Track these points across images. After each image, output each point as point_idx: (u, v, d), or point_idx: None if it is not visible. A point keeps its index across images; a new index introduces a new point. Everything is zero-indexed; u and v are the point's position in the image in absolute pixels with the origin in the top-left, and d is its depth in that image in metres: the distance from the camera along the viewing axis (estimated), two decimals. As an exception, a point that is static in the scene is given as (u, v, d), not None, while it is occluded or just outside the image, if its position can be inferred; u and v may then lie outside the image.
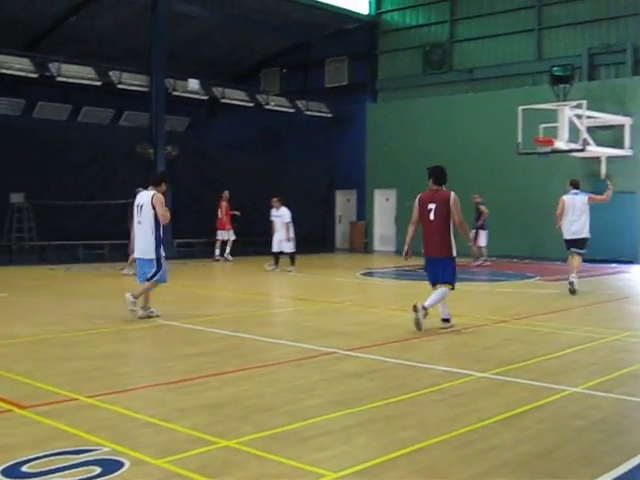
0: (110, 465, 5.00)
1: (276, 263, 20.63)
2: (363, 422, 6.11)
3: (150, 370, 8.03)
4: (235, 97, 29.83)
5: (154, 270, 11.59)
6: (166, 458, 5.14)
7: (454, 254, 10.70)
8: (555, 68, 23.47)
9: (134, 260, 17.14)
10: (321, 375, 7.85)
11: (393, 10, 31.30)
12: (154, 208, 11.35)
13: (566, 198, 15.80)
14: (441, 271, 10.75)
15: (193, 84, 27.36)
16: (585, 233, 15.64)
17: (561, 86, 23.11)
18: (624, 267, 22.24)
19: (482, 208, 23.31)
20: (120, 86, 25.97)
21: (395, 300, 15.16)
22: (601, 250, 21.72)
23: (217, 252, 24.43)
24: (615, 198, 23.45)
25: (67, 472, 4.87)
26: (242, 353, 9.13)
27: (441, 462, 5.19)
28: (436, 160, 28.35)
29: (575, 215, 15.59)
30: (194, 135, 32.34)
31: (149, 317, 11.68)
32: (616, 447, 5.51)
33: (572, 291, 15.14)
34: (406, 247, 10.98)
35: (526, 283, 18.54)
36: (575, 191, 15.93)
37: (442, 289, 10.75)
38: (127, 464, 5.02)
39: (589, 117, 22.91)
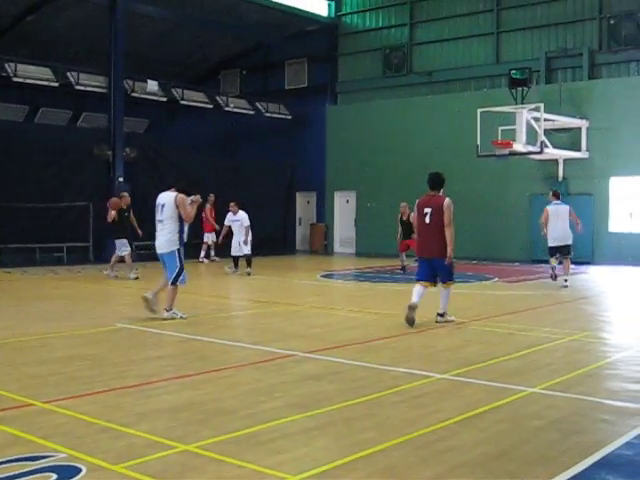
0: (67, 471, 4.93)
1: (235, 266, 20.59)
2: (323, 424, 6.10)
3: (108, 374, 7.94)
4: (194, 99, 29.69)
5: (177, 269, 11.95)
6: (124, 463, 5.09)
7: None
8: (513, 71, 23.68)
9: (117, 261, 17.34)
10: (281, 378, 7.83)
11: (353, 12, 31.40)
12: (177, 207, 11.83)
13: (549, 208, 17.32)
14: (441, 271, 11.38)
15: (152, 85, 27.18)
16: (569, 240, 17.26)
17: (519, 89, 23.32)
18: (581, 268, 22.50)
19: None
20: (78, 87, 25.72)
21: (355, 302, 15.18)
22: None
23: (202, 254, 24.67)
24: (572, 200, 23.82)
25: (22, 479, 4.79)
26: (201, 356, 9.08)
27: (401, 463, 5.20)
28: (394, 161, 28.71)
29: (559, 224, 17.09)
30: (153, 137, 32.10)
31: (173, 319, 11.87)
32: (573, 446, 5.57)
33: (565, 287, 16.87)
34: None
35: (485, 285, 18.68)
36: (557, 202, 17.42)
37: (448, 289, 11.55)
38: (84, 470, 4.96)
39: (546, 120, 23.17)
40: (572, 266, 21.34)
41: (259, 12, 29.35)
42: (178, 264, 11.96)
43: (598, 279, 20.45)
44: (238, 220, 20.67)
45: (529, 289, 17.38)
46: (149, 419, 6.20)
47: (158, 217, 12.17)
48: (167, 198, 12.05)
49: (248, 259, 20.55)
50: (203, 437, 5.68)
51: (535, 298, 15.58)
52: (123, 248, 18.78)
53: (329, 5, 31.59)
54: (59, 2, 26.38)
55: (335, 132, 30.82)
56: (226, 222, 21.16)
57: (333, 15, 31.65)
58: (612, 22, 25.09)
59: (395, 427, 6.00)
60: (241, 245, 20.53)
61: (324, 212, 31.59)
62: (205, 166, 28.21)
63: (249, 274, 20.05)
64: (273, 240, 29.23)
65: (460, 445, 5.58)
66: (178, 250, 12.02)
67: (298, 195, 32.49)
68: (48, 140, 24.34)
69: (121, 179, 24.52)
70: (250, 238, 20.63)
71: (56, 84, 25.34)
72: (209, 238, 24.67)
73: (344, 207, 31.00)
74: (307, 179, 31.29)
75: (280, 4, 29.29)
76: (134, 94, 26.74)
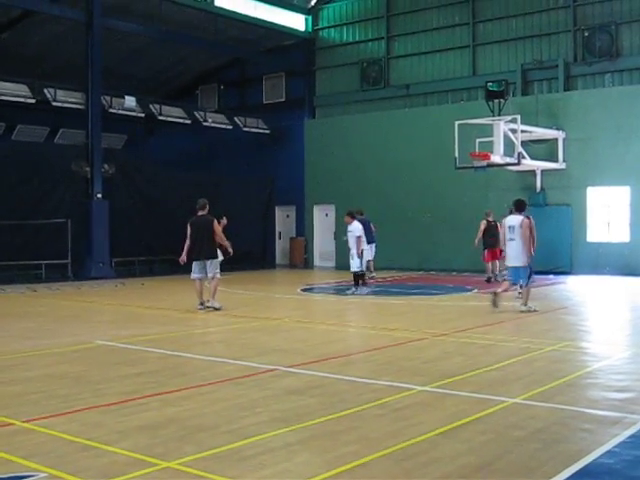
0: (47, 491, 4.89)
1: (357, 284, 19.25)
2: (305, 439, 6.08)
3: (88, 392, 7.88)
4: (172, 114, 29.63)
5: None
6: (105, 481, 5.05)
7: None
8: (490, 84, 23.84)
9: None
10: (262, 393, 7.81)
11: (330, 27, 31.51)
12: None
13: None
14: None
15: (129, 101, 27.11)
16: None
17: (496, 101, 23.48)
18: (560, 278, 22.63)
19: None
20: (55, 103, 25.58)
21: (335, 315, 15.18)
22: (537, 262, 21.99)
23: None
24: (550, 211, 23.98)
25: (2, 499, 4.76)
26: (182, 372, 9.04)
27: (383, 476, 5.20)
28: (373, 174, 28.82)
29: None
30: (131, 153, 32.00)
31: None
32: (554, 456, 5.59)
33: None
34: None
35: (465, 296, 18.73)
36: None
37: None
38: (64, 489, 4.92)
39: (523, 131, 23.32)
40: (550, 276, 21.55)
41: (236, 27, 29.38)
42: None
43: (577, 289, 20.57)
44: (351, 231, 19.32)
45: (508, 300, 17.42)
46: (130, 436, 6.15)
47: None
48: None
49: (356, 276, 19.21)
50: (185, 454, 5.65)
51: (514, 309, 15.65)
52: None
53: (306, 19, 31.68)
54: (35, 18, 26.27)
55: (313, 146, 30.88)
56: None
57: (310, 29, 31.74)
58: (586, 34, 25.35)
59: (377, 440, 6.00)
60: (352, 258, 19.07)
61: (303, 226, 31.58)
62: (184, 181, 28.16)
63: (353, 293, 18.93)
64: (253, 254, 29.18)
65: (442, 457, 5.59)
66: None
67: (277, 209, 32.47)
68: (25, 157, 24.22)
69: (99, 195, 24.43)
70: (360, 251, 19.00)
71: (33, 100, 25.19)
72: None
73: (323, 221, 31.02)
74: (286, 193, 31.29)
75: (257, 19, 29.36)
76: (112, 110, 26.63)
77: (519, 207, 14.34)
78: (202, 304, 15.59)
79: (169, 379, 8.60)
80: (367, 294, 18.68)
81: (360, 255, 18.95)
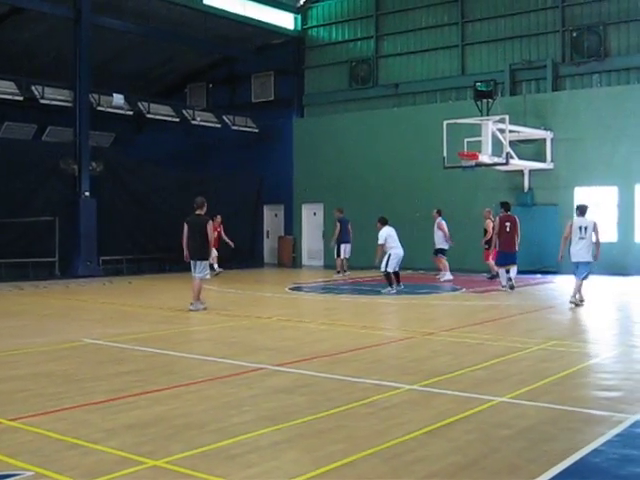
0: (34, 489, 4.88)
1: (391, 284, 19.14)
2: (293, 437, 6.09)
3: (75, 390, 7.86)
4: (161, 112, 29.54)
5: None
6: (92, 480, 5.04)
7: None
8: (478, 83, 23.90)
9: None
10: (250, 391, 7.81)
11: (319, 25, 31.50)
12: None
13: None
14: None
15: (118, 99, 27.00)
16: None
17: (484, 101, 23.54)
18: (548, 277, 22.70)
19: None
20: (43, 101, 25.47)
21: (324, 314, 15.18)
22: (525, 261, 22.14)
23: (216, 266, 24.35)
24: (538, 210, 24.04)
25: (-12, 498, 4.74)
26: (170, 371, 9.03)
27: (371, 475, 5.20)
28: (362, 173, 28.84)
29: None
30: (119, 151, 31.91)
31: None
32: (541, 455, 5.61)
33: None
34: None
35: (452, 295, 18.77)
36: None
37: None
38: (51, 487, 4.91)
39: (512, 131, 23.36)
40: (538, 276, 21.62)
41: (225, 25, 29.33)
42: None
43: (564, 288, 20.60)
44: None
45: (496, 299, 17.50)
46: (118, 435, 6.14)
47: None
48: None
49: (386, 277, 19.15)
50: (172, 452, 5.65)
51: (502, 308, 15.72)
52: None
53: (295, 18, 31.66)
54: (23, 15, 26.17)
55: (302, 145, 30.87)
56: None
57: (299, 28, 31.72)
58: (575, 35, 25.43)
59: (365, 439, 6.01)
60: (380, 261, 19.12)
61: (292, 225, 31.57)
62: (172, 180, 28.12)
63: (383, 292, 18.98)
64: (241, 253, 29.13)
65: (429, 455, 5.60)
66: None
67: (266, 208, 32.44)
68: (13, 155, 24.10)
69: (87, 193, 24.35)
70: (385, 257, 18.96)
71: (20, 98, 25.06)
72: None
73: (312, 219, 31.01)
74: (275, 192, 31.26)
75: (246, 17, 29.32)
76: (100, 108, 26.52)
77: (583, 211, 15.72)
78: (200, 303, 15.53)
79: (157, 377, 8.59)
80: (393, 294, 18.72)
81: (381, 258, 18.93)
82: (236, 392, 7.78)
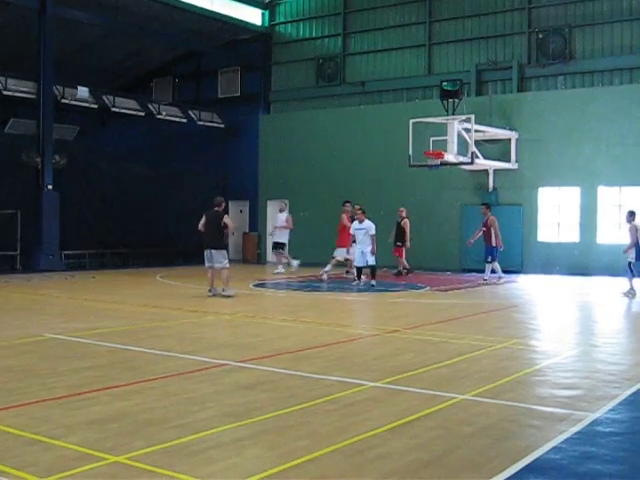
0: (-8, 485, 4.81)
1: (359, 277, 20.24)
2: (255, 434, 6.08)
3: (36, 385, 7.77)
4: (126, 106, 29.29)
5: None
6: (53, 476, 4.99)
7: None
8: (444, 83, 24.00)
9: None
10: (213, 387, 7.78)
11: (286, 22, 31.45)
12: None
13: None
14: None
15: (82, 92, 26.75)
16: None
17: (450, 100, 23.65)
18: (511, 277, 22.88)
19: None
20: (6, 92, 25.15)
21: (288, 311, 15.16)
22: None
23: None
24: (502, 210, 24.22)
25: (-55, 494, 4.67)
26: (132, 366, 8.96)
27: (333, 472, 5.21)
28: (327, 171, 28.86)
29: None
30: (83, 144, 31.58)
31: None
32: (503, 452, 5.65)
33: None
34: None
35: (416, 293, 18.85)
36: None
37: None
38: (10, 483, 4.85)
39: (477, 131, 23.49)
40: (503, 275, 21.81)
41: (192, 20, 29.18)
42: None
43: (527, 287, 20.82)
44: (364, 228, 19.80)
45: (460, 298, 17.61)
46: (79, 431, 6.09)
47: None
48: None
49: (373, 270, 19.79)
50: (134, 448, 5.61)
51: (465, 306, 15.81)
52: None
53: (263, 14, 31.59)
54: (-15, 5, 25.84)
55: (268, 141, 30.82)
56: (351, 230, 20.60)
57: (267, 24, 31.66)
58: (540, 36, 25.67)
59: (327, 435, 6.01)
60: (366, 255, 19.70)
61: (257, 221, 31.49)
62: (136, 174, 27.92)
63: (373, 286, 19.44)
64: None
65: (391, 452, 5.62)
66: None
67: (231, 204, 32.23)
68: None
69: (50, 187, 24.09)
70: (375, 248, 19.70)
71: (-18, 89, 24.77)
72: None
73: (277, 216, 30.88)
74: (240, 188, 31.15)
75: (213, 12, 29.21)
76: (64, 100, 26.27)
77: (634, 216, 17.89)
78: (210, 290, 17.09)
79: (119, 373, 8.52)
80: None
81: (374, 252, 19.69)
82: (199, 388, 7.75)
